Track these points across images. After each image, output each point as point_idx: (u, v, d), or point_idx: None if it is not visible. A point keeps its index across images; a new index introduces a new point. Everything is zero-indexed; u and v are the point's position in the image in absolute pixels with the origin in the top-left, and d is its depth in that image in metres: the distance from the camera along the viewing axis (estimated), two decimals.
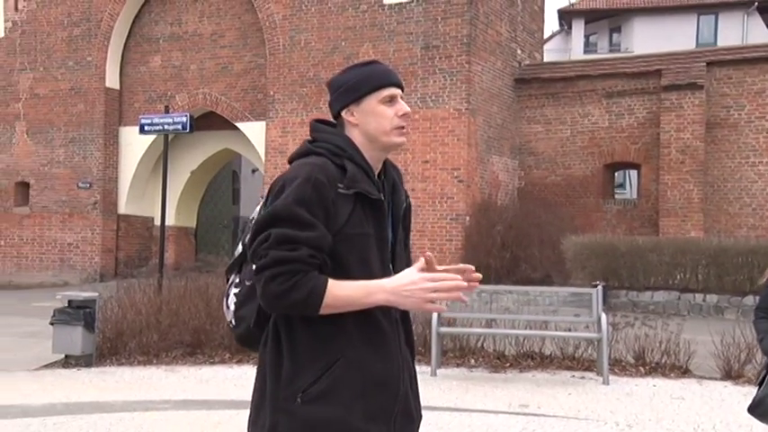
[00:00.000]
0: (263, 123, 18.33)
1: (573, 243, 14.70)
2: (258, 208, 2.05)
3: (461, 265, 1.93)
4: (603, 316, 7.83)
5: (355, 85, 2.01)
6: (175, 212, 20.16)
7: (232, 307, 2.03)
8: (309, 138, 2.05)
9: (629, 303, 13.96)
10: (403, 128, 2.02)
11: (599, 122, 17.95)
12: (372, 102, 2.01)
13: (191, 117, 13.90)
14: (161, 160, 15.40)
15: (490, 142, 17.69)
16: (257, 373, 2.00)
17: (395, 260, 2.04)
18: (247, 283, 1.99)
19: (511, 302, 8.35)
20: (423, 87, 16.70)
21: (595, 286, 8.13)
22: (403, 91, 2.05)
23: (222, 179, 23.91)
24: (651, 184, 17.40)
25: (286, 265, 1.84)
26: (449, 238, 16.63)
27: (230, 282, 2.05)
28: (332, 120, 2.09)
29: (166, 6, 19.67)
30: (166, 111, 15.03)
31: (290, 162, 2.02)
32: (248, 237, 1.94)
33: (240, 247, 2.05)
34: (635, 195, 20.20)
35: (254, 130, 18.61)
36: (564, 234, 15.38)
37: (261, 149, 18.44)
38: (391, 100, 2.01)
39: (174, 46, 19.52)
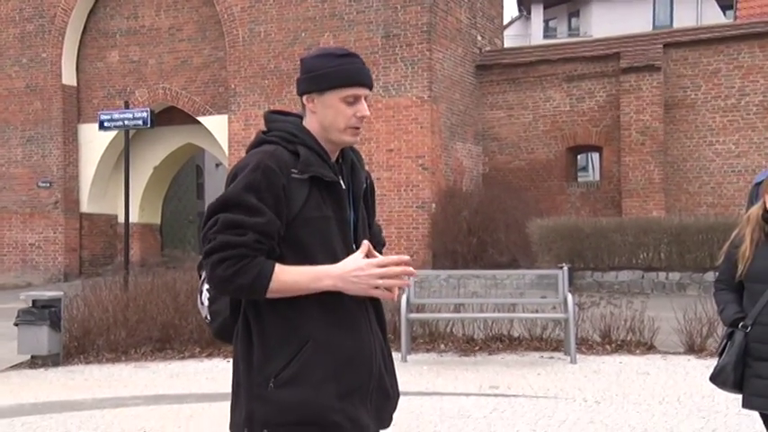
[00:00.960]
0: (226, 117, 18.23)
1: (538, 226, 14.76)
2: None
3: (397, 257, 1.93)
4: (570, 297, 7.91)
5: (322, 76, 1.98)
6: (139, 209, 19.95)
7: (206, 303, 2.04)
8: (264, 129, 2.06)
9: (595, 284, 14.03)
10: (358, 129, 2.02)
11: (560, 106, 18.02)
12: (334, 98, 1.99)
13: (151, 112, 13.82)
14: (122, 157, 15.43)
15: (453, 129, 17.71)
16: (233, 363, 2.01)
17: (357, 241, 2.02)
18: None
19: (479, 287, 8.37)
20: (384, 76, 16.71)
21: (561, 268, 8.19)
22: (371, 90, 2.03)
23: (186, 174, 23.94)
24: (613, 166, 17.52)
25: (232, 250, 1.85)
26: (415, 226, 16.64)
27: (203, 278, 2.03)
28: (287, 111, 2.10)
29: (122, 0, 19.44)
30: (126, 106, 14.87)
31: (246, 151, 2.03)
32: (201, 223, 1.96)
33: None
34: (598, 177, 20.35)
35: (217, 124, 18.50)
36: (529, 218, 15.44)
37: (224, 143, 18.34)
38: (354, 100, 2.00)
39: (131, 40, 19.28)
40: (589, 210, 17.38)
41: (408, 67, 16.74)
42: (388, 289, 1.94)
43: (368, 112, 2.01)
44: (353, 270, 1.90)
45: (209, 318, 2.04)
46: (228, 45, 18.11)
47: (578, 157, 19.77)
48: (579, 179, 19.50)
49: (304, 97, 2.01)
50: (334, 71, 1.98)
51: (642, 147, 16.95)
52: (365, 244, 1.94)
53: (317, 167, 1.95)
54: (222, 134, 18.26)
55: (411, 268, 1.93)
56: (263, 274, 1.86)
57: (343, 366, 1.92)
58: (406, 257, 1.92)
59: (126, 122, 13.60)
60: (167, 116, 18.80)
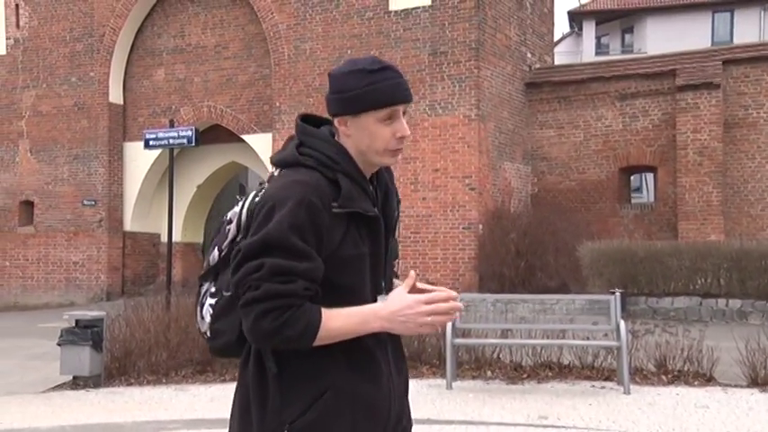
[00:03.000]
0: (270, 135, 18.37)
1: (589, 249, 14.63)
2: (237, 209, 1.98)
3: (445, 293, 1.88)
4: (622, 323, 7.77)
5: (355, 98, 1.91)
6: (182, 228, 20.16)
7: (208, 318, 1.97)
8: (296, 140, 1.98)
9: (649, 310, 13.86)
10: (398, 150, 1.96)
11: (613, 125, 17.96)
12: (370, 119, 1.92)
13: (196, 130, 13.79)
14: (166, 175, 15.35)
15: (501, 148, 17.76)
16: (238, 390, 1.95)
17: (386, 271, 2.00)
18: (225, 294, 1.93)
19: (527, 312, 8.28)
20: (431, 94, 16.79)
21: (613, 293, 8.09)
22: (410, 102, 1.96)
23: (229, 193, 24.03)
24: (668, 188, 17.40)
25: (280, 299, 1.79)
26: (461, 248, 16.57)
27: (205, 290, 1.99)
28: (318, 116, 2.03)
29: (169, 19, 19.77)
30: (171, 125, 15.01)
31: (273, 163, 1.97)
32: (234, 262, 1.85)
33: (216, 253, 1.98)
34: (652, 199, 20.13)
35: (261, 143, 18.65)
36: (580, 241, 15.34)
37: (268, 162, 18.54)
38: (391, 118, 1.93)
39: (177, 59, 19.60)
40: (643, 233, 17.25)
41: (456, 85, 16.80)
42: None
43: (408, 132, 1.95)
44: (402, 309, 1.85)
45: (209, 333, 1.97)
46: (274, 63, 18.32)
47: (631, 177, 19.69)
48: (632, 201, 19.41)
49: (336, 119, 1.96)
50: (367, 91, 1.91)
51: (700, 167, 16.82)
52: (411, 277, 1.90)
53: (359, 202, 1.91)
54: (266, 152, 18.34)
55: (459, 303, 1.90)
56: (312, 323, 1.81)
57: (362, 416, 1.88)
58: (454, 293, 1.89)
59: (171, 141, 13.47)
60: (212, 134, 19.05)
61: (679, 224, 16.88)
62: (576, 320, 8.16)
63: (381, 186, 2.03)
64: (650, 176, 21.10)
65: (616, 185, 17.98)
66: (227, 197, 24.13)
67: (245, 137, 18.98)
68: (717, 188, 16.67)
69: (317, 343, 1.82)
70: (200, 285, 2.01)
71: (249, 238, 1.83)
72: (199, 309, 2.00)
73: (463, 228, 16.54)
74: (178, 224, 19.41)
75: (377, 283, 1.95)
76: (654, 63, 17.83)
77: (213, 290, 1.97)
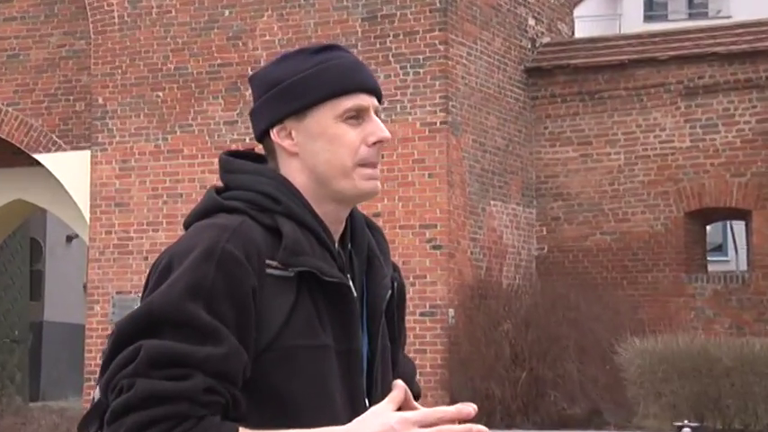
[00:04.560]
0: (86, 154, 18.39)
1: (638, 352, 14.78)
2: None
3: (454, 408, 2.00)
4: None
5: (299, 84, 2.16)
6: None
7: None
8: (219, 184, 2.22)
9: None
10: (375, 165, 2.17)
11: (674, 139, 18.14)
12: (325, 117, 2.16)
13: None
14: None
15: (486, 178, 17.98)
16: None
17: (372, 386, 2.18)
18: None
19: None
20: None
21: (681, 429, 7.65)
22: (381, 101, 2.20)
23: (12, 256, 23.63)
24: None
25: (166, 406, 1.92)
26: (419, 348, 16.51)
27: None
28: (256, 152, 2.28)
29: None
30: None
31: (186, 226, 2.16)
32: (104, 353, 2.03)
33: (97, 391, 2.08)
34: (744, 266, 20.42)
35: (70, 167, 18.60)
36: (621, 337, 15.43)
37: (83, 200, 18.42)
38: (357, 116, 2.16)
39: None
40: (730, 323, 17.27)
41: (409, 72, 17.06)
42: None
43: (386, 133, 2.17)
44: None
45: None
46: (95, 30, 18.28)
47: (708, 228, 19.88)
48: (710, 267, 19.59)
49: (273, 132, 2.18)
50: (316, 72, 2.16)
51: None
52: (399, 387, 2.06)
53: (310, 257, 2.09)
54: (80, 184, 18.32)
55: (482, 427, 2.00)
56: None
57: None
58: (470, 407, 2.00)
59: None
60: None
61: None
62: None
63: (360, 249, 2.24)
64: (740, 226, 21.21)
65: (682, 242, 18.08)
66: (8, 263, 23.55)
67: (40, 157, 18.83)
68: None
69: None
70: None
71: (128, 313, 2.02)
72: None
73: (422, 314, 16.60)
74: None
75: (356, 401, 2.13)
76: (743, 37, 17.90)
77: None
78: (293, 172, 2.18)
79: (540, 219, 19.11)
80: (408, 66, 17.12)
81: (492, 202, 18.20)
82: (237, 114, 17.52)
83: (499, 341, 16.25)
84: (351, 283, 2.16)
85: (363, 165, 2.17)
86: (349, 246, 2.23)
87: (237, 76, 17.56)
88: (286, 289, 2.08)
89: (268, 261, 2.06)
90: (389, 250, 2.33)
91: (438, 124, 17.01)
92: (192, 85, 17.96)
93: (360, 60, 2.23)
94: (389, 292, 2.25)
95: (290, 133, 2.17)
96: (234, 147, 15.83)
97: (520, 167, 18.90)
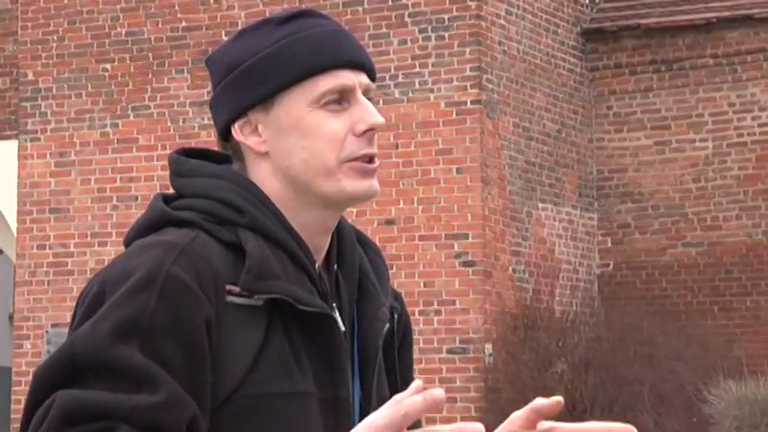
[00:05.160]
0: (12, 145, 18.72)
1: (734, 400, 14.76)
2: None
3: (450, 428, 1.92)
4: None
5: (257, 67, 2.22)
6: None
7: None
8: (169, 190, 2.33)
9: None
10: (370, 159, 2.22)
11: None
12: (296, 104, 2.20)
13: None
14: None
15: (532, 173, 18.12)
16: None
17: None
18: None
19: None
20: (378, 57, 16.82)
21: None
22: (373, 77, 2.27)
23: None
24: None
25: None
26: (448, 396, 15.85)
27: None
28: (216, 150, 2.39)
29: None
30: None
31: (125, 244, 2.23)
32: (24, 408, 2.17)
33: None
34: None
35: None
36: (711, 379, 15.47)
37: (6, 205, 18.82)
38: (340, 99, 2.20)
39: None
40: None
41: (431, 36, 17.19)
42: None
43: (378, 118, 2.23)
44: None
45: None
46: None
47: None
48: None
49: (236, 126, 2.24)
50: (283, 47, 2.23)
51: None
52: (416, 384, 2.00)
53: (282, 280, 2.15)
54: (5, 184, 18.59)
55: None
56: None
57: None
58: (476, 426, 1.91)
59: None
60: None
61: None
62: None
63: (349, 271, 2.33)
64: None
65: None
66: None
67: None
68: None
69: None
70: None
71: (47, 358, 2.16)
72: None
73: (450, 351, 16.81)
74: None
75: None
76: None
77: None
78: (263, 176, 2.22)
79: (603, 226, 19.14)
80: (430, 28, 17.12)
81: (540, 205, 18.16)
82: (208, 93, 16.69)
83: (551, 386, 16.02)
84: (337, 315, 2.19)
85: (353, 159, 2.19)
86: (335, 267, 2.28)
87: (208, 43, 17.55)
88: (253, 322, 2.11)
89: (229, 287, 2.09)
90: (388, 273, 2.37)
91: (468, 104, 16.97)
92: (150, 55, 17.98)
93: (341, 28, 2.26)
94: (387, 326, 2.27)
95: (256, 128, 2.21)
96: (204, 135, 17.05)
97: (576, 159, 18.89)
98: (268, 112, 2.18)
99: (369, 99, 2.20)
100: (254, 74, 2.18)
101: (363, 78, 2.20)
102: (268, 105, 2.18)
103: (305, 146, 2.17)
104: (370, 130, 2.18)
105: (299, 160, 2.17)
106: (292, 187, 2.19)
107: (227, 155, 2.27)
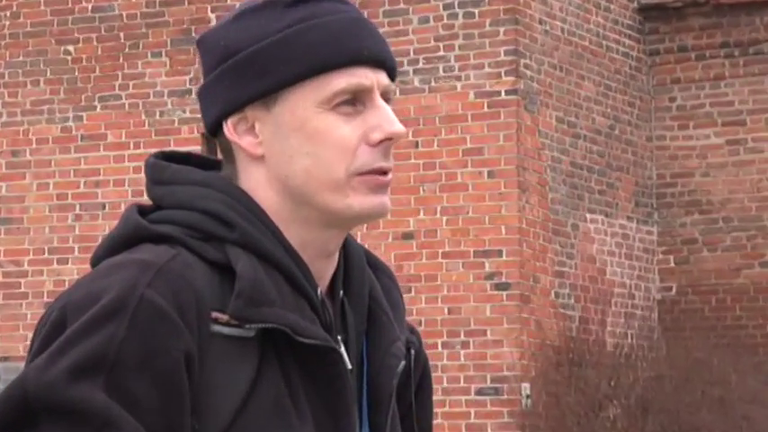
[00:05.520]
0: None
1: None
2: None
3: None
4: None
5: (261, 56, 2.16)
6: None
7: None
8: (144, 198, 2.31)
9: None
10: (384, 173, 2.17)
11: None
12: (303, 104, 2.14)
13: None
14: None
15: (579, 178, 18.28)
16: None
17: None
18: None
19: None
20: (395, 37, 17.03)
21: None
22: (394, 77, 2.22)
23: None
24: None
25: None
26: None
27: None
28: (198, 155, 2.39)
29: None
30: None
31: (93, 263, 2.16)
32: None
33: None
34: None
35: None
36: None
37: None
38: (354, 101, 2.14)
39: None
40: None
41: (458, 14, 17.34)
42: None
43: (398, 127, 2.16)
44: None
45: None
46: None
47: None
48: None
49: (227, 125, 2.18)
50: (290, 38, 2.16)
51: None
52: None
53: (279, 307, 2.09)
54: None
55: None
56: None
57: None
58: None
59: None
60: None
61: None
62: None
63: (357, 299, 2.28)
64: None
65: None
66: None
67: None
68: None
69: None
70: None
71: None
72: None
73: (480, 392, 16.94)
74: None
75: None
76: None
77: None
78: (258, 183, 2.14)
79: (664, 242, 19.16)
80: (457, 3, 17.28)
81: (589, 216, 18.21)
82: (191, 81, 17.29)
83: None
84: (342, 349, 2.11)
85: (366, 172, 2.10)
86: (341, 293, 2.19)
87: (191, 21, 17.79)
88: (243, 355, 2.03)
89: (215, 314, 1.99)
90: (403, 302, 2.33)
91: (503, 95, 17.04)
92: (121, 34, 18.05)
93: (361, 15, 2.19)
94: (402, 363, 2.20)
95: (253, 127, 2.12)
96: (185, 130, 17.22)
97: (632, 161, 18.91)
98: (269, 110, 2.11)
99: (387, 102, 2.14)
100: (258, 63, 2.12)
101: (383, 78, 2.14)
102: (270, 102, 2.11)
103: (309, 152, 2.12)
104: (388, 140, 2.11)
105: (301, 169, 2.12)
106: (291, 199, 2.15)
107: (216, 161, 2.26)
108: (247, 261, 2.06)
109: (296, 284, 2.10)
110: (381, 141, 2.11)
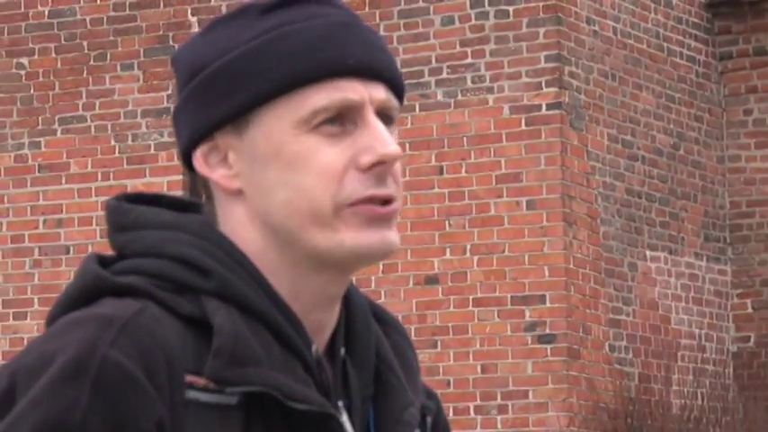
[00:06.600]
0: None
1: None
2: None
3: None
4: None
5: (228, 71, 1.99)
6: None
7: None
8: (107, 249, 2.20)
9: None
10: (389, 201, 1.97)
11: None
12: (279, 125, 1.96)
13: None
14: None
15: (637, 207, 18.20)
16: None
17: None
18: None
19: None
20: (414, 43, 17.61)
21: None
22: (399, 91, 1.97)
23: None
24: None
25: None
26: None
27: None
28: (171, 196, 2.32)
29: None
30: None
31: (48, 321, 2.01)
32: None
33: None
34: None
35: None
36: None
37: None
38: (341, 118, 1.94)
39: None
40: None
41: (489, 13, 17.34)
42: None
43: (393, 147, 1.97)
44: None
45: None
46: None
47: None
48: None
49: (197, 155, 2.02)
50: (261, 48, 2.00)
51: None
52: None
53: (265, 367, 1.93)
54: None
55: None
56: None
57: None
58: None
59: None
60: None
61: None
62: None
63: (362, 358, 2.14)
64: None
65: None
66: None
67: None
68: None
69: None
70: None
71: None
72: None
73: None
74: None
75: None
76: None
77: None
78: (238, 223, 1.95)
79: (740, 283, 18.99)
80: (487, 1, 17.32)
81: (649, 254, 18.17)
82: (169, 98, 16.98)
83: None
84: (344, 416, 1.93)
85: (357, 202, 1.88)
86: (341, 352, 2.01)
87: (167, 27, 17.91)
88: (224, 425, 1.82)
89: (190, 378, 1.80)
90: (418, 362, 2.11)
91: (544, 109, 17.04)
92: (85, 44, 18.10)
93: (352, 19, 1.94)
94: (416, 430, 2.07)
95: (226, 157, 1.93)
96: (164, 157, 16.73)
97: (700, 187, 18.87)
98: (241, 135, 1.89)
99: (389, 120, 1.87)
100: (224, 81, 1.90)
101: (378, 92, 1.84)
102: (241, 125, 1.87)
103: (289, 182, 1.88)
104: (380, 164, 1.85)
105: (282, 202, 1.89)
106: (275, 240, 1.92)
107: (192, 202, 2.05)
108: (227, 314, 1.85)
109: (285, 340, 1.86)
110: (373, 166, 1.85)
